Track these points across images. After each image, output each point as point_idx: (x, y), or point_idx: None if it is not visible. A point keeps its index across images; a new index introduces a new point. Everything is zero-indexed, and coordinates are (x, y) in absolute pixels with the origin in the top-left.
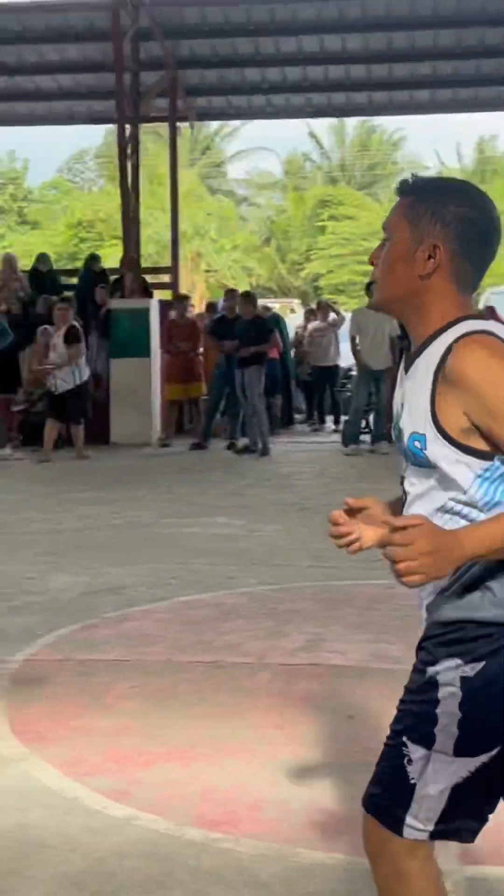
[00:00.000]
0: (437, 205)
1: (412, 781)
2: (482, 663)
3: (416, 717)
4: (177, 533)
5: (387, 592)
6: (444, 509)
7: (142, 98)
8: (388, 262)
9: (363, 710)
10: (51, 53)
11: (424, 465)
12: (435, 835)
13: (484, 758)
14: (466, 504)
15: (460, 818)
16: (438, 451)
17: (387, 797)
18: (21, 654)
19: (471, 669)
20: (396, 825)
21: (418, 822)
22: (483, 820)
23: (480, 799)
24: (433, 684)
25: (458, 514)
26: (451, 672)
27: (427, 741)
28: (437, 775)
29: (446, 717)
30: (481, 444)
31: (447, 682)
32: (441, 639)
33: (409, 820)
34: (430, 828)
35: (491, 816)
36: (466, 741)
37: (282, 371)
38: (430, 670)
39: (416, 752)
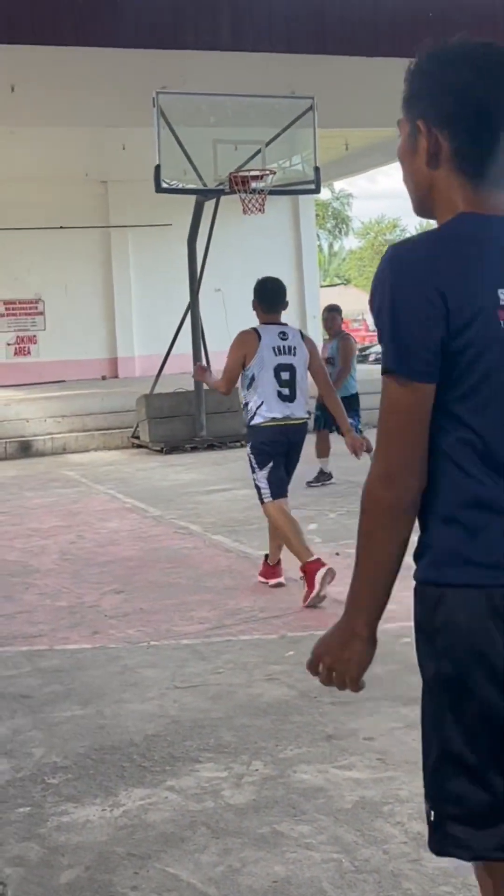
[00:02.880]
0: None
1: (257, 483)
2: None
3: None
4: None
5: None
6: None
7: None
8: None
9: None
10: None
11: None
12: (275, 496)
13: (270, 463)
14: None
15: (277, 485)
16: None
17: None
18: None
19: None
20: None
21: (269, 495)
22: (287, 478)
23: (283, 479)
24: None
25: None
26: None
27: (252, 470)
28: (261, 476)
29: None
30: None
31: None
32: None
33: (264, 498)
34: (274, 494)
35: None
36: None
37: None
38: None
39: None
